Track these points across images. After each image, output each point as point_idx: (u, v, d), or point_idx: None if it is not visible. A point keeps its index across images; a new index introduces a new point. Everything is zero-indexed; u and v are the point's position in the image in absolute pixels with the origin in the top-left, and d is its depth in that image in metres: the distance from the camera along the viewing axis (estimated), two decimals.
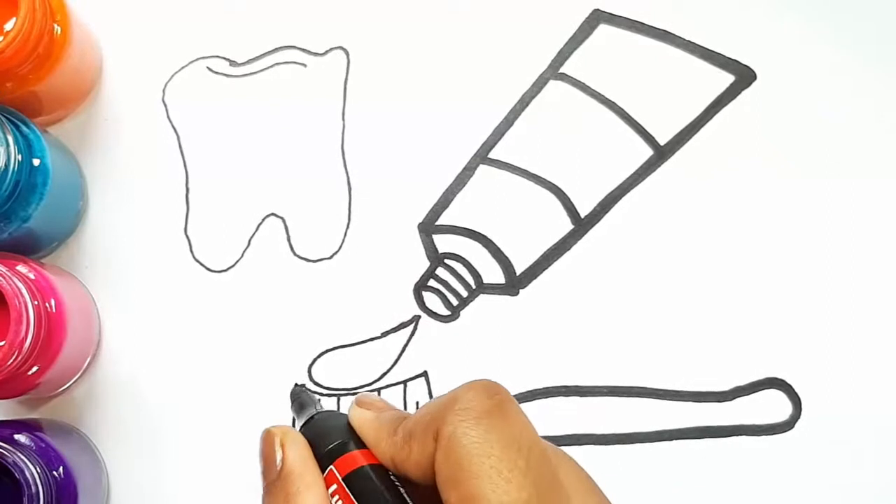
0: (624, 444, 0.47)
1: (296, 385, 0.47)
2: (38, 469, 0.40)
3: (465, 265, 0.48)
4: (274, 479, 0.29)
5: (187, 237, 0.49)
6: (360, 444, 0.29)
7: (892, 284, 0.47)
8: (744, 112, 0.48)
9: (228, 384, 0.48)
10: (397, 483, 0.28)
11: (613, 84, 0.49)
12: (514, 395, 0.35)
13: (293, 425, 0.32)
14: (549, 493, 0.25)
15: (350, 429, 0.30)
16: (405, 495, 0.27)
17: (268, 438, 0.30)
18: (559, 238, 0.48)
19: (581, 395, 0.47)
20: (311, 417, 0.32)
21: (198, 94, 0.50)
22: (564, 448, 0.31)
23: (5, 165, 0.41)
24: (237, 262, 0.49)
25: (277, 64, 0.50)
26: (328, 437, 0.29)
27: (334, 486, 0.28)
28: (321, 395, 0.47)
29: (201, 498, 0.47)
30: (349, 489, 0.27)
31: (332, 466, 0.28)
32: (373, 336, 0.48)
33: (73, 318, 0.44)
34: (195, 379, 0.48)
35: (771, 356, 0.47)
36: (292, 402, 0.34)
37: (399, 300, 0.48)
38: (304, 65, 0.50)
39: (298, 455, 0.29)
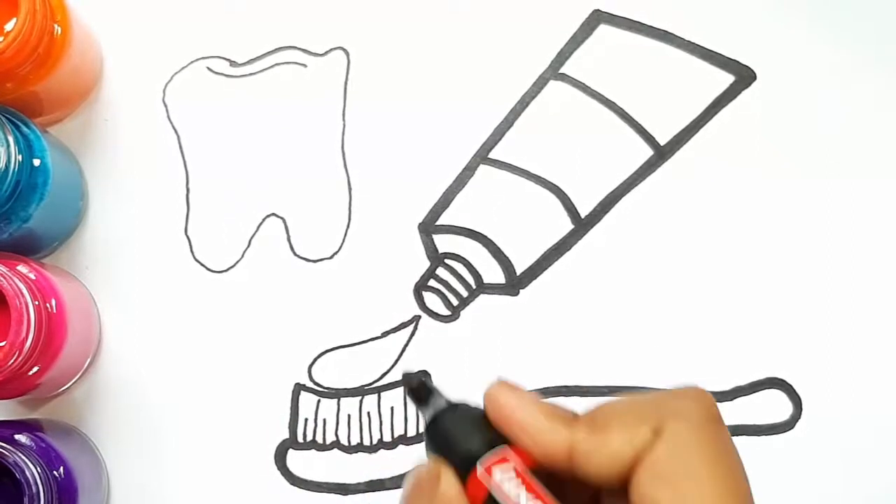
0: None
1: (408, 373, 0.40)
2: (38, 469, 0.40)
3: (465, 265, 0.48)
4: None
5: (187, 237, 0.49)
6: (502, 440, 0.27)
7: (892, 284, 0.47)
8: (744, 112, 0.48)
9: (229, 384, 0.48)
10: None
11: (613, 84, 0.49)
12: None
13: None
14: None
15: (487, 423, 0.27)
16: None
17: (417, 487, 0.27)
18: (559, 238, 0.48)
19: (581, 395, 0.47)
20: (443, 410, 0.28)
21: (198, 95, 0.50)
22: None
23: (6, 165, 0.41)
24: (237, 262, 0.49)
25: (277, 64, 0.50)
26: (473, 438, 0.27)
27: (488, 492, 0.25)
28: (321, 395, 0.47)
29: (201, 498, 0.47)
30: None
31: (485, 471, 0.26)
32: (373, 336, 0.48)
33: (73, 319, 0.44)
34: (195, 379, 0.48)
35: (771, 356, 0.47)
36: (413, 388, 0.29)
37: (399, 300, 0.48)
38: (304, 65, 0.50)
39: None
